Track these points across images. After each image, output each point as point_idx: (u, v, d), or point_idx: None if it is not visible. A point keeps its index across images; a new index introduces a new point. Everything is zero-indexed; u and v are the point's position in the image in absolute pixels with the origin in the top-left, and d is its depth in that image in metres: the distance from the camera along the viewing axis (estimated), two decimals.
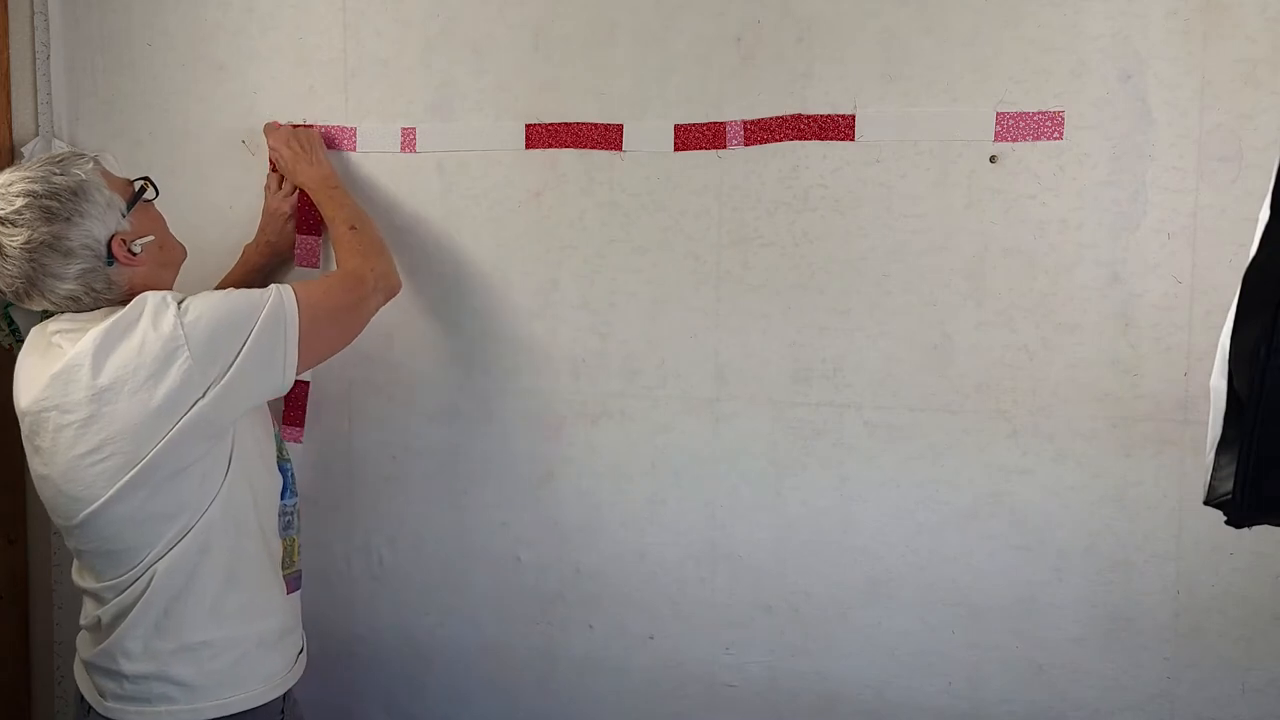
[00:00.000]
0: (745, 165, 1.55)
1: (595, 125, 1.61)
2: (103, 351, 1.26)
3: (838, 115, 1.50)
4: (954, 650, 1.54)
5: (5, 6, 1.89)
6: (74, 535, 1.34)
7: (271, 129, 1.72)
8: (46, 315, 1.94)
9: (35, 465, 1.35)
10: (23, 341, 1.94)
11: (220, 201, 1.84)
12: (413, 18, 1.68)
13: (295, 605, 1.52)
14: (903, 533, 1.54)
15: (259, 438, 1.43)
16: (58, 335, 1.33)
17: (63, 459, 1.29)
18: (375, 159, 1.73)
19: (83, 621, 1.42)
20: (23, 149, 1.88)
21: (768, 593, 1.61)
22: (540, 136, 1.62)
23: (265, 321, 1.31)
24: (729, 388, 1.59)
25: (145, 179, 1.41)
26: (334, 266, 1.67)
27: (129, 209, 1.34)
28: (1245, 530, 0.92)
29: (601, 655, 1.69)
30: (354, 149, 1.74)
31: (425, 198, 1.71)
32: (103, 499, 1.27)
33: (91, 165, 1.33)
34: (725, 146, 1.55)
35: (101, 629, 1.37)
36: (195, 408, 1.26)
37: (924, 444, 1.52)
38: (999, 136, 1.44)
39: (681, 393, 1.61)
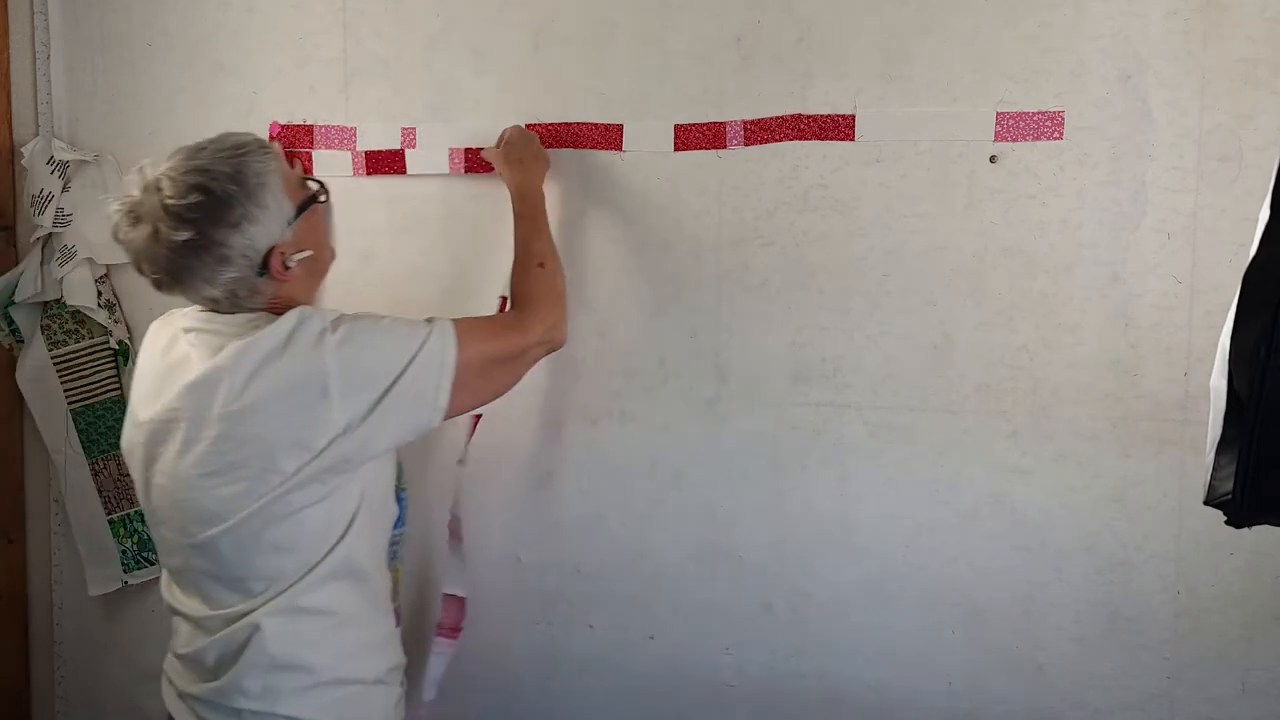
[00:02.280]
0: (745, 165, 1.55)
1: (595, 125, 1.60)
2: (245, 369, 1.17)
3: (838, 115, 1.50)
4: (954, 650, 1.54)
5: (5, 6, 1.89)
6: (183, 553, 1.26)
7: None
8: (47, 315, 1.95)
9: (149, 475, 1.26)
10: (23, 342, 1.95)
11: None
12: (413, 18, 1.68)
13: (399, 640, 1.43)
14: (903, 533, 1.54)
15: (385, 466, 1.33)
16: (191, 336, 1.24)
17: (187, 474, 1.20)
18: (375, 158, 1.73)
19: (181, 649, 1.32)
20: (23, 149, 1.88)
21: (768, 593, 1.61)
22: (540, 136, 1.62)
23: (420, 360, 1.22)
24: (729, 388, 1.59)
25: (320, 182, 1.32)
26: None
27: (296, 216, 1.25)
28: (1245, 530, 0.92)
29: (601, 655, 1.69)
30: (354, 149, 1.74)
31: (426, 197, 1.71)
32: (225, 524, 1.19)
33: (274, 162, 1.24)
34: (725, 146, 1.55)
35: (211, 664, 1.28)
36: (334, 444, 1.18)
37: (924, 444, 1.52)
38: (999, 136, 1.44)
39: (681, 393, 1.61)
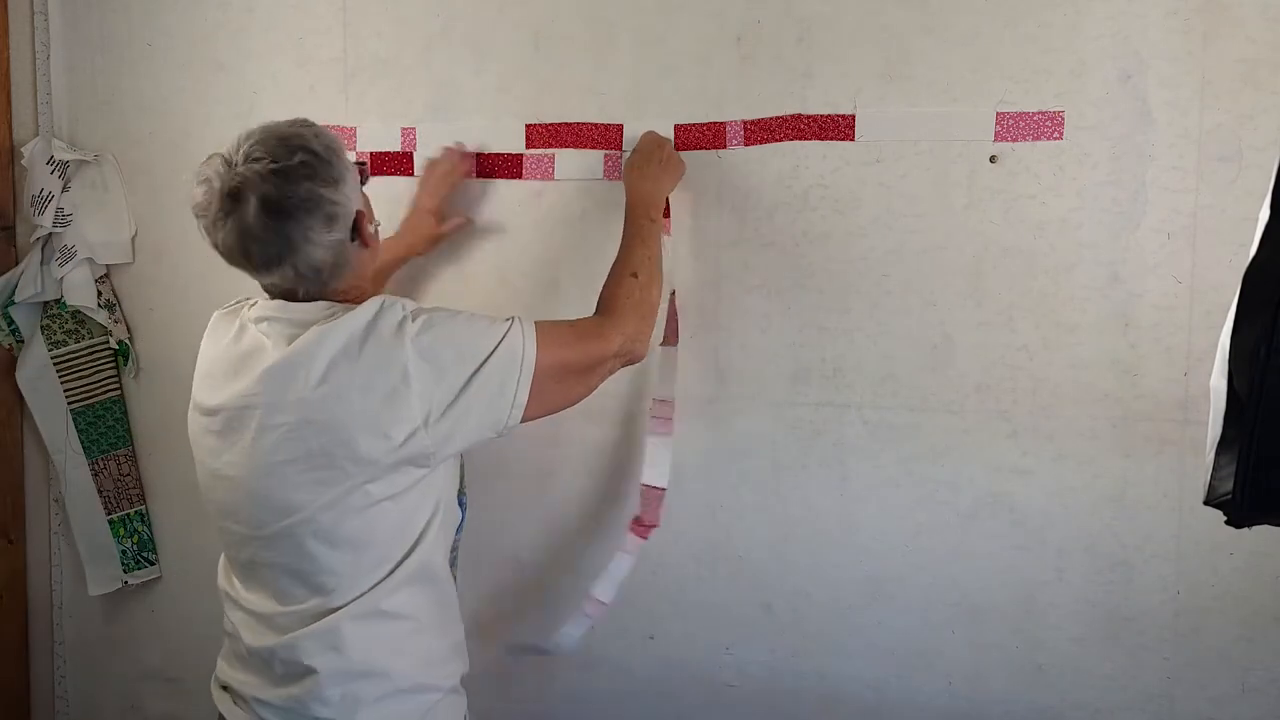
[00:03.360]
0: (745, 165, 1.55)
1: (595, 125, 1.60)
2: (325, 354, 1.14)
3: (838, 115, 1.50)
4: (954, 650, 1.54)
5: (5, 6, 1.89)
6: (253, 546, 1.22)
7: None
8: (47, 315, 1.94)
9: (217, 465, 1.22)
10: (23, 342, 1.95)
11: None
12: (413, 18, 1.68)
13: None
14: (903, 533, 1.54)
15: (452, 468, 1.29)
16: (265, 325, 1.20)
17: (262, 462, 1.17)
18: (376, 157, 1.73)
19: (251, 643, 1.24)
20: (23, 149, 1.88)
21: (768, 593, 1.61)
22: (540, 136, 1.62)
23: (500, 358, 1.19)
24: (729, 388, 1.59)
25: (362, 161, 1.30)
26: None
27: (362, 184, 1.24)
28: (1245, 530, 0.92)
29: (602, 655, 1.69)
30: (354, 149, 1.74)
31: None
32: (301, 514, 1.16)
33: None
34: (725, 146, 1.55)
35: (280, 666, 1.21)
36: (414, 436, 1.15)
37: (924, 444, 1.52)
38: (999, 136, 1.44)
39: (682, 392, 1.60)
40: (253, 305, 1.26)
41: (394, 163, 1.72)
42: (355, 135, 1.73)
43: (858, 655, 1.58)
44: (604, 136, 1.60)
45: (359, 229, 1.20)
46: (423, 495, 1.21)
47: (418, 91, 1.69)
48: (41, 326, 1.93)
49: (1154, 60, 1.38)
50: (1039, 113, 1.42)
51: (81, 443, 1.94)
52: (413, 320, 1.17)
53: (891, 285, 1.50)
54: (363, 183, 1.26)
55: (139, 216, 1.89)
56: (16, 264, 1.94)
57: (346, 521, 1.17)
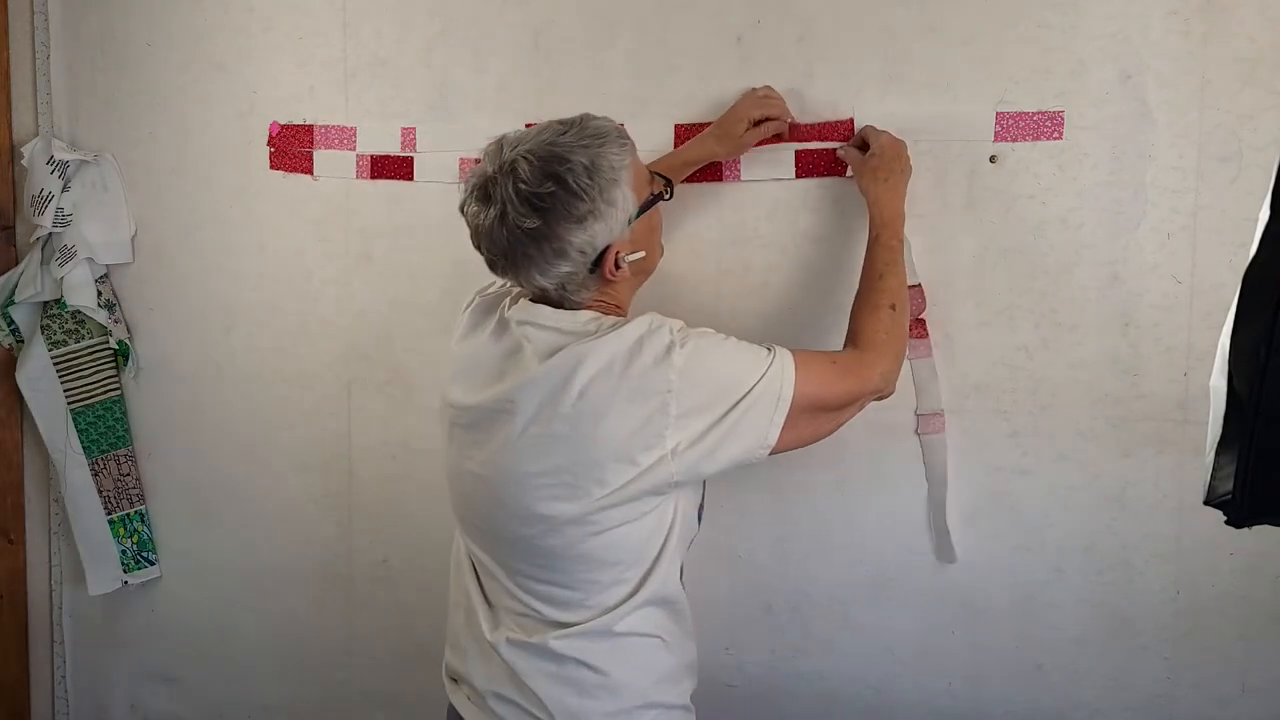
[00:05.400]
0: (746, 165, 1.55)
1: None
2: (586, 373, 1.12)
3: (838, 116, 1.50)
4: (954, 650, 1.54)
5: (5, 6, 1.89)
6: (494, 545, 1.23)
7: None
8: (47, 315, 1.94)
9: (465, 462, 1.23)
10: (23, 342, 1.95)
11: (220, 202, 1.84)
12: (413, 18, 1.68)
13: None
14: (903, 533, 1.54)
15: (696, 488, 1.26)
16: (527, 329, 1.18)
17: (509, 469, 1.16)
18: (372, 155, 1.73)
19: (486, 635, 1.24)
20: (23, 149, 1.88)
21: (768, 593, 1.61)
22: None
23: (759, 392, 1.14)
24: None
25: (667, 180, 1.25)
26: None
27: (638, 214, 1.19)
28: (1245, 530, 0.92)
29: None
30: (354, 149, 1.74)
31: (426, 197, 1.71)
32: (543, 527, 1.16)
33: (630, 155, 1.18)
34: None
35: (513, 661, 1.22)
36: (660, 464, 1.12)
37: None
38: (999, 136, 1.44)
39: None
40: (515, 300, 1.24)
41: (393, 164, 1.72)
42: (355, 135, 1.73)
43: (858, 655, 1.58)
44: None
45: (603, 262, 1.16)
46: (661, 517, 1.19)
47: (418, 91, 1.69)
48: (41, 326, 1.93)
49: (1154, 60, 1.38)
50: (1039, 113, 1.42)
51: (81, 443, 1.94)
52: (680, 346, 1.13)
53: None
54: (657, 201, 1.22)
55: (139, 216, 1.89)
56: (16, 264, 1.94)
57: (586, 541, 1.16)
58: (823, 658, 1.60)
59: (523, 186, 1.12)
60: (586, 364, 1.12)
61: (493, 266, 1.19)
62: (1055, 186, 1.43)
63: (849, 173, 1.48)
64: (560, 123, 1.17)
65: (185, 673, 2.01)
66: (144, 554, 1.98)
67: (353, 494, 1.84)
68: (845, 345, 1.31)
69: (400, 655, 1.86)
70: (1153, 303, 1.41)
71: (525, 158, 1.13)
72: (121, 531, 1.96)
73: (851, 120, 1.49)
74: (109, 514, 1.96)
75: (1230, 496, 0.90)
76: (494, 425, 1.18)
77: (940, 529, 1.51)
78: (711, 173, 1.55)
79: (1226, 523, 0.92)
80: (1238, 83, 1.35)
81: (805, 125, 1.51)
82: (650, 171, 1.25)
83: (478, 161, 1.18)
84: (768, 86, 1.50)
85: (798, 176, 1.52)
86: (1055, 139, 1.42)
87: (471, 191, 1.17)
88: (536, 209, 1.11)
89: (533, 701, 1.21)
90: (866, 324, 1.29)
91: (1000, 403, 1.48)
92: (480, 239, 1.18)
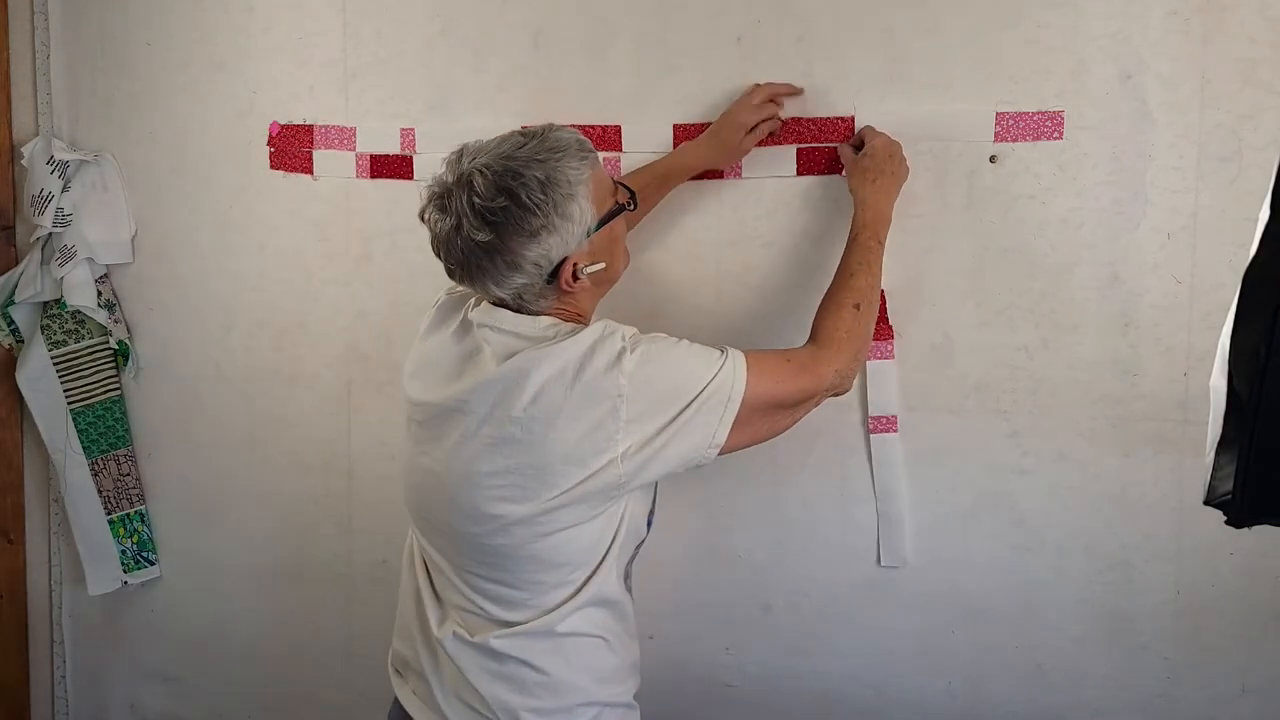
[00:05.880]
0: (746, 165, 1.55)
1: (595, 125, 1.60)
2: (539, 378, 1.13)
3: (838, 115, 1.50)
4: (954, 650, 1.54)
5: (5, 6, 1.89)
6: (446, 540, 1.25)
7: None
8: (47, 315, 1.94)
9: (419, 457, 1.24)
10: (23, 342, 1.95)
11: (219, 202, 1.84)
12: (413, 18, 1.68)
13: None
14: (903, 533, 1.54)
15: (646, 493, 1.29)
16: (486, 332, 1.20)
17: (461, 467, 1.18)
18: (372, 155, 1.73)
19: (439, 631, 1.26)
20: (23, 149, 1.88)
21: (768, 593, 1.61)
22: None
23: (709, 394, 1.15)
24: None
25: (631, 190, 1.26)
26: None
27: (598, 227, 1.18)
28: (1245, 530, 0.92)
29: None
30: (354, 149, 1.74)
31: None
32: (492, 526, 1.17)
33: (589, 169, 1.17)
34: None
35: (463, 660, 1.24)
36: (609, 466, 1.14)
37: (924, 444, 1.52)
38: (999, 136, 1.44)
39: None
40: (479, 302, 1.25)
41: (393, 163, 1.72)
42: (355, 135, 1.73)
43: (858, 655, 1.58)
44: (604, 136, 1.60)
45: (559, 274, 1.17)
46: (609, 521, 1.21)
47: (418, 91, 1.69)
48: (41, 326, 1.93)
49: (1154, 60, 1.38)
50: (1039, 113, 1.42)
51: (81, 443, 1.94)
52: (631, 352, 1.15)
53: (891, 285, 1.50)
54: (619, 213, 1.22)
55: (139, 216, 1.89)
56: (16, 264, 1.94)
57: (534, 543, 1.18)
58: (823, 658, 1.60)
59: (476, 200, 1.12)
60: (540, 369, 1.14)
61: (451, 275, 1.21)
62: (1055, 186, 1.43)
63: (845, 171, 1.48)
64: (521, 134, 1.17)
65: (185, 673, 2.01)
66: (144, 554, 1.98)
67: (353, 494, 1.84)
68: (807, 340, 1.31)
69: None
70: (1153, 303, 1.41)
71: (481, 171, 1.13)
72: (121, 531, 1.96)
73: (853, 118, 1.49)
74: (109, 514, 1.96)
75: (1230, 496, 0.90)
76: (448, 424, 1.19)
77: (889, 531, 1.54)
78: (712, 169, 1.55)
79: (1226, 523, 0.92)
80: (1238, 83, 1.35)
81: (807, 120, 1.51)
82: (615, 182, 1.25)
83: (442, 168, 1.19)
84: (758, 86, 1.50)
85: (799, 174, 1.52)
86: (1055, 139, 1.42)
87: (430, 200, 1.18)
88: (489, 223, 1.12)
89: (475, 698, 1.23)
90: (828, 321, 1.30)
91: (1000, 403, 1.48)
92: (438, 248, 1.19)
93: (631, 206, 1.26)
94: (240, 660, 1.97)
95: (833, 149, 1.50)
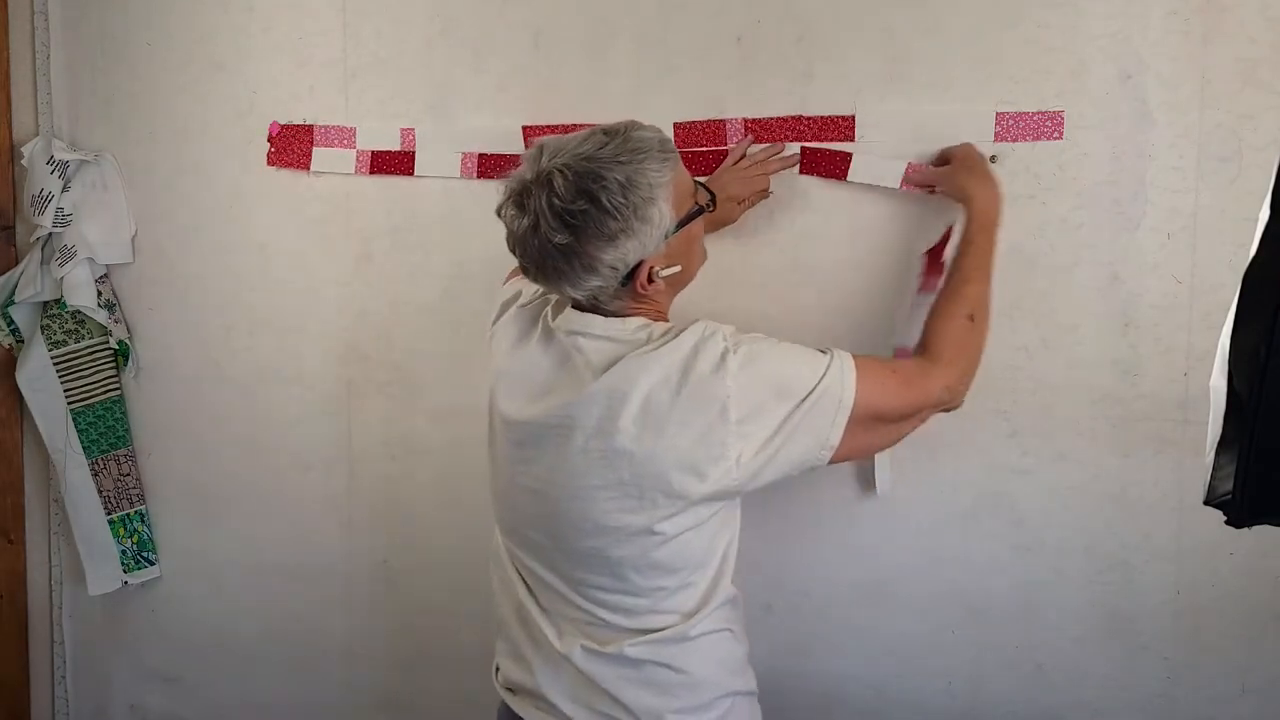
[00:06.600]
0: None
1: (594, 126, 1.60)
2: (644, 386, 1.11)
3: (838, 115, 1.50)
4: (954, 650, 1.54)
5: (5, 6, 1.89)
6: (558, 558, 1.21)
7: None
8: (47, 315, 1.94)
9: (519, 477, 1.22)
10: (23, 342, 1.95)
11: (219, 202, 1.84)
12: (413, 18, 1.68)
13: None
14: (903, 533, 1.54)
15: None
16: (577, 340, 1.18)
17: (573, 483, 1.16)
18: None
19: (561, 649, 1.23)
20: (23, 149, 1.88)
21: (768, 592, 1.61)
22: (540, 136, 1.62)
23: (818, 395, 1.12)
24: None
25: (712, 191, 1.23)
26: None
27: (676, 229, 1.15)
28: (1245, 530, 0.92)
29: None
30: (353, 148, 1.74)
31: (426, 197, 1.71)
32: (609, 539, 1.15)
33: (670, 171, 1.13)
34: (725, 145, 1.55)
35: (592, 673, 1.22)
36: (724, 473, 1.12)
37: (924, 444, 1.52)
38: (999, 136, 1.44)
39: None
40: (557, 309, 1.23)
41: (393, 162, 1.72)
42: (355, 135, 1.73)
43: (858, 655, 1.58)
44: None
45: (634, 276, 1.14)
46: (725, 521, 1.20)
47: (417, 91, 1.69)
48: (41, 326, 1.93)
49: (1154, 60, 1.38)
50: (1039, 113, 1.42)
51: (81, 443, 1.95)
52: (734, 353, 1.13)
53: (892, 285, 1.50)
54: (698, 214, 1.19)
55: (139, 216, 1.90)
56: (16, 264, 1.94)
57: (653, 551, 1.16)
58: (823, 658, 1.60)
59: (556, 201, 1.09)
60: (644, 377, 1.12)
61: (525, 272, 1.18)
62: (1055, 186, 1.43)
63: (938, 182, 1.43)
64: (604, 132, 1.14)
65: (185, 673, 2.01)
66: (144, 554, 1.98)
67: (353, 494, 1.84)
68: (915, 350, 1.27)
69: (400, 655, 1.86)
70: (1153, 303, 1.41)
71: (561, 170, 1.10)
72: (121, 531, 1.96)
73: (853, 117, 1.49)
74: (109, 514, 1.96)
75: (1230, 496, 0.90)
76: (549, 440, 1.17)
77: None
78: (713, 167, 1.55)
79: (1226, 523, 0.92)
80: (1238, 83, 1.35)
81: (807, 119, 1.51)
82: (695, 183, 1.21)
83: (516, 165, 1.16)
84: (751, 154, 1.50)
85: (801, 172, 1.52)
86: (1055, 139, 1.42)
87: (509, 196, 1.15)
88: (568, 225, 1.09)
89: (614, 706, 1.21)
90: (939, 332, 1.25)
91: (1000, 403, 1.48)
92: (515, 245, 1.16)
93: (711, 208, 1.23)
94: (240, 660, 1.97)
95: (833, 152, 1.50)
